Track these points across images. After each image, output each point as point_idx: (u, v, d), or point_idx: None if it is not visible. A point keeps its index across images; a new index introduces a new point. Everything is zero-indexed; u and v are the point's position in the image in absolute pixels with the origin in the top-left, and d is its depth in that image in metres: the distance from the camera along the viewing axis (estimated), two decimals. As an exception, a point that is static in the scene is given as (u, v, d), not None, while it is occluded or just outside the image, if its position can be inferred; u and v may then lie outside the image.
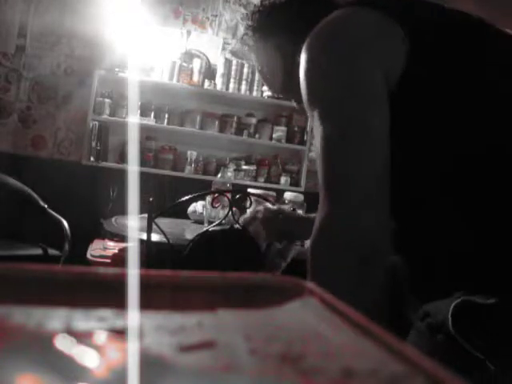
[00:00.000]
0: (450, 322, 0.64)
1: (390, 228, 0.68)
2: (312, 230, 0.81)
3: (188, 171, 3.46)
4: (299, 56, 0.71)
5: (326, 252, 0.67)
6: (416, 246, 0.74)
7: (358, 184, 0.65)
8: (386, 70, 0.67)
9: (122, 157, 3.38)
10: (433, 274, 0.73)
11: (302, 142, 3.64)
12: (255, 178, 3.59)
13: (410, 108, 0.68)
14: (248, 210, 1.24)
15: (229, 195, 1.91)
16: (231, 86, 3.52)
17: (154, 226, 1.76)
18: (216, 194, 2.06)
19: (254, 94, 3.56)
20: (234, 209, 1.84)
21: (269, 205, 1.19)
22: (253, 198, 1.40)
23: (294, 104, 0.95)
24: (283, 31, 0.87)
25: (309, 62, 0.69)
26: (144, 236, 1.82)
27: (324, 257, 0.67)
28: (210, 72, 3.51)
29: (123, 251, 2.32)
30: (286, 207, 1.19)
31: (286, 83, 0.91)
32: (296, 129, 3.63)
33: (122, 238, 2.30)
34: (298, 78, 0.71)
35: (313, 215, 1.07)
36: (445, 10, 0.74)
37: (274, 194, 2.86)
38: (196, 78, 3.45)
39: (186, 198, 1.88)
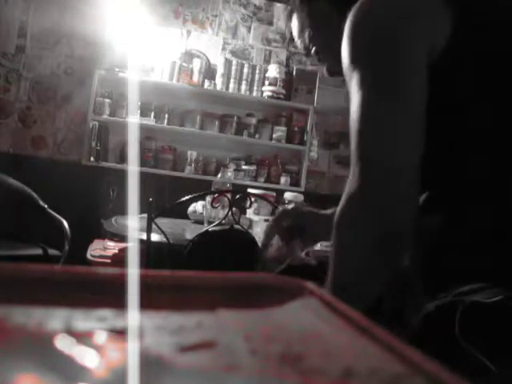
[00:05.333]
0: (456, 327, 0.63)
1: (418, 204, 0.67)
2: (327, 226, 0.81)
3: (188, 171, 3.46)
4: (343, 22, 0.72)
5: (351, 222, 0.66)
6: (447, 213, 0.73)
7: (391, 153, 0.65)
8: (430, 43, 0.68)
9: (122, 157, 3.38)
10: (459, 248, 0.72)
11: (302, 142, 3.64)
12: (255, 178, 3.59)
13: (451, 81, 0.69)
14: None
15: (229, 195, 1.91)
16: (231, 85, 3.52)
17: (154, 226, 1.76)
18: (216, 194, 2.06)
19: (254, 94, 3.56)
20: (233, 209, 1.84)
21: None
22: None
23: (324, 72, 0.96)
24: None
25: (354, 27, 0.70)
26: (144, 236, 1.82)
27: (348, 228, 0.66)
28: (210, 72, 3.51)
29: (123, 251, 2.32)
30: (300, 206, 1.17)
31: (325, 48, 0.93)
32: (296, 129, 3.63)
33: (121, 238, 2.30)
34: (339, 44, 0.72)
35: (329, 211, 1.07)
36: None
37: (273, 194, 2.86)
38: (196, 78, 3.45)
39: (186, 198, 1.88)
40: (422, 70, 0.67)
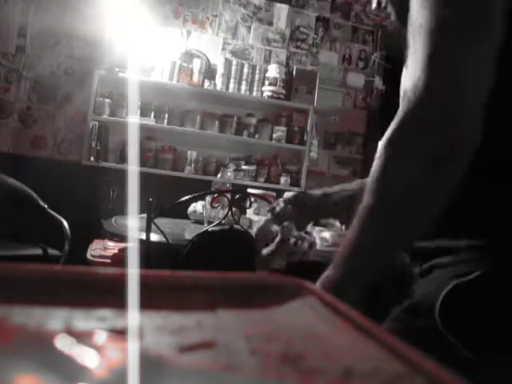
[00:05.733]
0: (437, 313, 0.63)
1: (480, 133, 0.62)
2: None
3: (188, 171, 3.46)
4: None
5: (408, 138, 0.61)
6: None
7: (465, 70, 0.61)
8: None
9: (122, 157, 3.38)
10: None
11: (302, 142, 3.64)
12: (255, 178, 3.59)
13: None
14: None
15: (228, 195, 1.91)
16: (231, 85, 3.52)
17: (154, 226, 1.76)
18: (216, 194, 2.06)
19: (254, 94, 3.56)
20: (233, 209, 1.84)
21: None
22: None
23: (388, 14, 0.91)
24: None
25: None
26: (144, 236, 1.82)
27: (402, 145, 0.61)
28: (210, 72, 3.52)
29: (123, 251, 2.32)
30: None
31: None
32: (296, 129, 3.63)
33: (121, 238, 2.30)
34: None
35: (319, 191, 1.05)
36: None
37: (273, 193, 2.86)
38: (196, 78, 3.45)
39: (186, 198, 1.88)
40: (503, 9, 0.64)
